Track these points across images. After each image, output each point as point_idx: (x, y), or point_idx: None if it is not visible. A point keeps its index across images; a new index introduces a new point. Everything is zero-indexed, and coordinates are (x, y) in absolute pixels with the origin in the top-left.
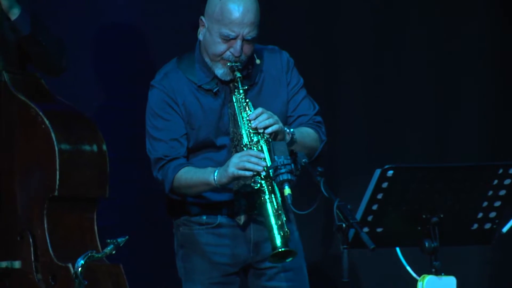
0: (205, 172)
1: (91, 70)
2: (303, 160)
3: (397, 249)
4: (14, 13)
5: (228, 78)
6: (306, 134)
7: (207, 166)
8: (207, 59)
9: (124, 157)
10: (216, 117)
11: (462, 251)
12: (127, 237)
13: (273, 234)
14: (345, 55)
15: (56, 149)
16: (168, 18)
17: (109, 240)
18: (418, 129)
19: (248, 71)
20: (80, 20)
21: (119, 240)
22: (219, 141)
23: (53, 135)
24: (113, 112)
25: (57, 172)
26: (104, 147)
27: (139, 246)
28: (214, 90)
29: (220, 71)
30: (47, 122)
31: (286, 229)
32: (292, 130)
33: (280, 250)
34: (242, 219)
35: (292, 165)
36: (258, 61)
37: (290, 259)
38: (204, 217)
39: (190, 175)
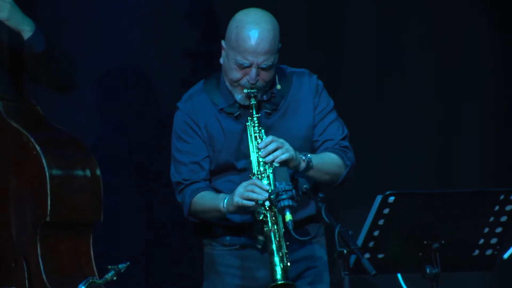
0: (217, 198)
1: (91, 96)
2: (304, 186)
3: (399, 275)
4: (27, 31)
5: (247, 103)
6: (328, 160)
7: (229, 188)
8: (227, 83)
9: (123, 182)
10: (236, 141)
11: (463, 277)
12: (128, 263)
13: (274, 265)
14: (347, 76)
15: (47, 174)
16: (166, 46)
17: (110, 266)
18: (419, 155)
19: (271, 96)
20: (78, 47)
21: (120, 266)
22: (240, 164)
23: (44, 160)
24: (112, 137)
25: (49, 198)
26: (98, 172)
27: (138, 271)
28: (235, 114)
29: (238, 96)
30: (38, 148)
31: (286, 262)
32: (309, 156)
33: (279, 282)
34: (260, 242)
35: (293, 191)
36: (278, 87)
37: None
38: (228, 238)
39: (204, 200)
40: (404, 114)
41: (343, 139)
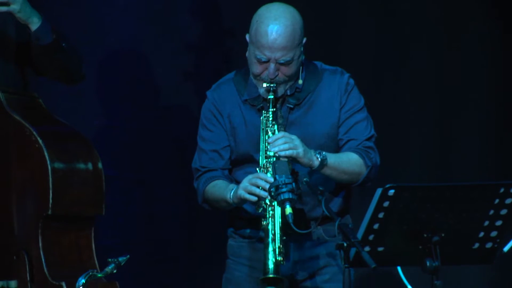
0: (226, 189)
1: (92, 89)
2: (304, 179)
3: (399, 268)
4: (35, 22)
5: (268, 97)
6: (346, 159)
7: None
8: (251, 76)
9: (125, 176)
10: (257, 133)
11: (463, 270)
12: (128, 256)
13: (267, 258)
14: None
15: (49, 167)
16: (167, 39)
17: (110, 259)
18: (420, 148)
19: (296, 90)
20: (81, 41)
21: (120, 259)
22: (259, 157)
23: (46, 153)
24: (115, 131)
25: (51, 191)
26: (100, 165)
27: (138, 265)
28: (258, 107)
29: (261, 90)
30: (40, 140)
31: (280, 257)
32: (324, 154)
33: (269, 275)
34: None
35: (293, 184)
36: (300, 82)
37: (279, 287)
38: (248, 231)
39: (215, 189)
40: (405, 109)
41: (368, 139)
